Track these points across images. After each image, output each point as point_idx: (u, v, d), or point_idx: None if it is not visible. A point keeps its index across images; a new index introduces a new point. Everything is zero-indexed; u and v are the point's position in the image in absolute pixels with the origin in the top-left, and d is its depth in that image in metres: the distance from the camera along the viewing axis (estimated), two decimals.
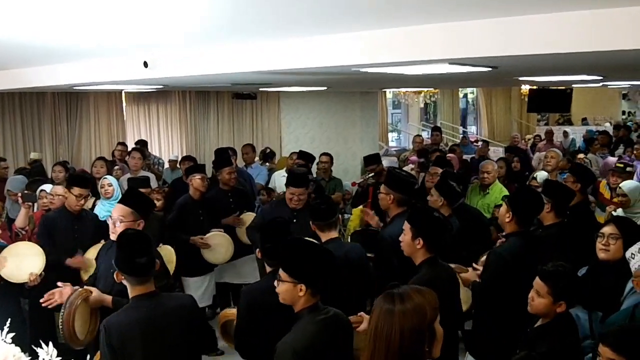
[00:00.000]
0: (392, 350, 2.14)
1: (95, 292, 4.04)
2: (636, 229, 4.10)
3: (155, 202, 6.63)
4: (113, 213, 4.26)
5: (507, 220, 4.27)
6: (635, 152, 9.84)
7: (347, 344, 3.20)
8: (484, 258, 4.96)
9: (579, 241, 4.51)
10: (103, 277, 4.28)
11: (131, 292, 3.45)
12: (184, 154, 10.78)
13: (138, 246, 3.42)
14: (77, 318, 3.91)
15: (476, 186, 7.19)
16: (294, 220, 5.39)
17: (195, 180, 6.51)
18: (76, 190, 5.45)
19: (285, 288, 3.11)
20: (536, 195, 4.52)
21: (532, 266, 3.55)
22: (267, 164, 10.20)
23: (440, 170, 6.44)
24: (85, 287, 4.11)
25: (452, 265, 4.38)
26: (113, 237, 4.20)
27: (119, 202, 4.37)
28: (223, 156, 7.67)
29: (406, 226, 3.92)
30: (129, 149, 9.31)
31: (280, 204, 5.91)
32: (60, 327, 3.82)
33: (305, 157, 8.54)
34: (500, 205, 4.77)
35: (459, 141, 18.19)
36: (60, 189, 5.85)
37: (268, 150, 10.81)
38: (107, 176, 6.85)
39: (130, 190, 4.69)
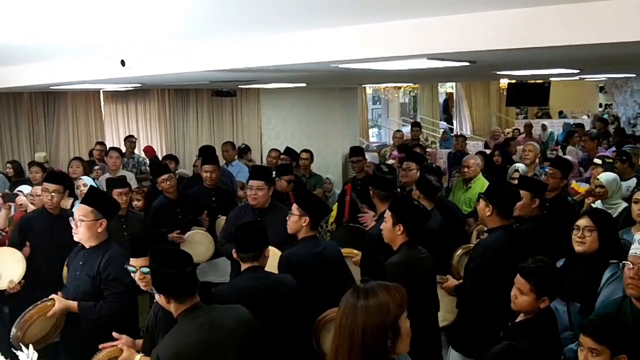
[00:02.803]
0: (355, 345, 2.17)
1: (57, 304, 4.05)
2: (611, 221, 4.16)
3: (136, 202, 6.61)
4: (75, 213, 4.25)
5: (488, 214, 4.34)
6: (584, 143, 9.93)
7: (232, 342, 3.18)
8: (457, 253, 5.02)
9: (558, 233, 4.56)
10: (71, 281, 4.28)
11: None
12: (164, 153, 10.74)
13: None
14: (30, 331, 3.94)
15: (460, 180, 7.24)
16: None
17: (161, 185, 6.48)
18: (48, 186, 5.36)
19: (157, 298, 3.29)
20: (511, 187, 4.60)
21: (515, 260, 3.59)
22: (242, 159, 10.18)
23: (413, 165, 6.45)
24: (50, 298, 4.08)
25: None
26: (76, 237, 4.23)
27: (81, 202, 4.35)
28: (208, 153, 7.57)
29: (387, 214, 4.10)
30: (108, 148, 9.24)
31: (242, 210, 5.70)
32: (12, 332, 3.87)
33: (290, 154, 8.59)
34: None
35: (439, 136, 18.32)
36: (39, 190, 5.79)
37: (243, 146, 10.79)
38: (82, 177, 6.80)
39: (92, 190, 4.66)
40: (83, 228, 4.16)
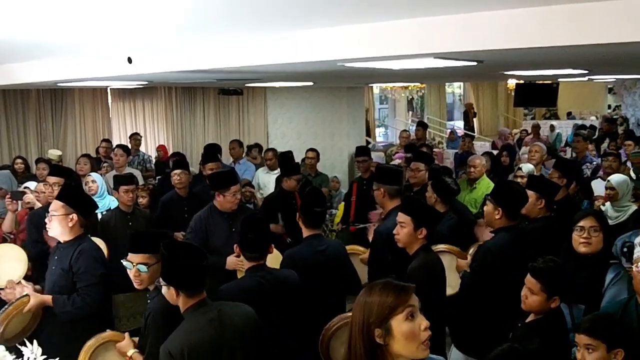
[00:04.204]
0: (352, 335, 2.26)
1: (32, 300, 4.09)
2: (607, 221, 4.18)
3: (141, 199, 6.62)
4: (49, 208, 4.33)
5: (497, 217, 4.27)
6: (576, 144, 9.34)
7: (239, 340, 3.17)
8: (472, 250, 4.99)
9: (565, 235, 4.53)
10: (48, 276, 4.34)
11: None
12: (171, 151, 10.76)
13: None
14: (9, 328, 3.97)
15: (464, 181, 7.20)
16: (233, 230, 4.99)
17: (172, 179, 6.53)
18: (49, 179, 5.42)
19: (164, 291, 3.21)
20: (520, 188, 4.56)
21: (521, 261, 3.56)
22: (248, 157, 10.19)
23: (422, 166, 6.41)
24: (24, 296, 4.11)
25: (454, 248, 4.46)
26: (50, 232, 4.33)
27: (55, 198, 4.42)
28: (208, 152, 7.62)
29: (405, 218, 3.99)
30: (114, 145, 9.26)
31: (209, 213, 5.30)
32: None
33: (285, 164, 7.80)
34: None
35: (446, 136, 18.28)
36: (43, 186, 5.80)
37: (252, 144, 10.81)
38: (91, 173, 6.82)
39: (65, 187, 4.71)
40: (54, 222, 4.24)
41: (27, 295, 4.10)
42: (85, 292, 4.13)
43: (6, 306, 3.99)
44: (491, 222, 4.38)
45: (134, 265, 3.53)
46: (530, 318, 3.42)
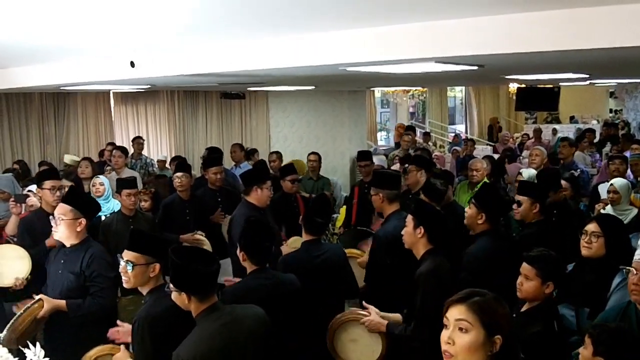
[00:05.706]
0: None
1: (46, 305, 4.08)
2: (619, 227, 4.11)
3: (143, 202, 6.64)
4: (55, 212, 4.33)
5: (480, 222, 4.33)
6: (562, 149, 8.87)
7: (251, 342, 3.17)
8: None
9: (564, 238, 4.53)
10: (53, 280, 4.33)
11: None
12: (173, 154, 10.78)
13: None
14: (23, 334, 3.95)
15: (465, 184, 7.22)
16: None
17: (175, 181, 6.61)
18: (48, 183, 5.34)
19: (174, 297, 3.17)
20: (503, 195, 4.58)
21: (504, 264, 3.60)
22: (249, 161, 10.19)
23: (413, 167, 6.39)
24: (38, 302, 4.08)
25: None
26: (56, 236, 4.33)
27: (61, 201, 4.43)
28: (211, 156, 7.65)
29: (408, 217, 4.03)
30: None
31: (250, 210, 5.32)
32: (4, 334, 3.83)
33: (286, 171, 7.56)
34: None
35: (449, 140, 18.29)
36: (37, 191, 5.78)
37: (249, 148, 10.81)
38: (99, 176, 6.84)
39: (72, 190, 4.72)
40: (63, 226, 4.24)
41: (40, 299, 4.09)
42: (100, 295, 4.20)
43: (21, 311, 3.98)
44: (473, 225, 4.43)
45: (125, 261, 3.52)
46: (524, 307, 3.47)
